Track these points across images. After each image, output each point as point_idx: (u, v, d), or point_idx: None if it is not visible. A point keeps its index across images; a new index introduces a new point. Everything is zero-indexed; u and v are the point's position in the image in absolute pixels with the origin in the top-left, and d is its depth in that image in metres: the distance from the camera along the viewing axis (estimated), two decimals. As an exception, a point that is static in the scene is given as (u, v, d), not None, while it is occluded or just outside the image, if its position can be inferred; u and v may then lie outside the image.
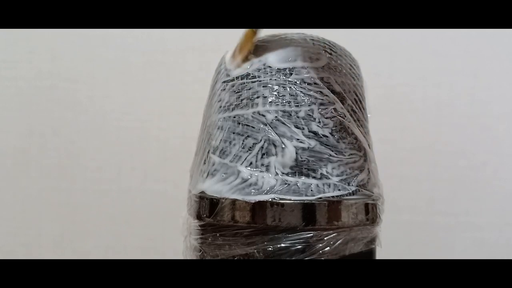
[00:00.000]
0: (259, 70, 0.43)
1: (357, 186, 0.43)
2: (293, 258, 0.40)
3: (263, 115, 0.42)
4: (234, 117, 0.43)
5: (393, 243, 0.50)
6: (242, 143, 0.42)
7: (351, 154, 0.43)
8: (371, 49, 0.71)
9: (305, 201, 0.41)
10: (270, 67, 0.43)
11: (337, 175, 0.42)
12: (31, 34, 0.73)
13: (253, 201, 0.41)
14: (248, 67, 0.43)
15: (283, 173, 0.41)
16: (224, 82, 0.44)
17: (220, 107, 0.44)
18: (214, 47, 0.57)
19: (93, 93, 0.74)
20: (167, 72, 0.74)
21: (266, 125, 0.42)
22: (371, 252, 0.44)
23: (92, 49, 0.74)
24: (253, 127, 0.42)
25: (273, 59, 0.43)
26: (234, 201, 0.42)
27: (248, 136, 0.42)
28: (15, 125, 0.74)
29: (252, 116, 0.42)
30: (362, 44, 0.47)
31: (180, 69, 0.73)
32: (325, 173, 0.42)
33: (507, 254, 0.72)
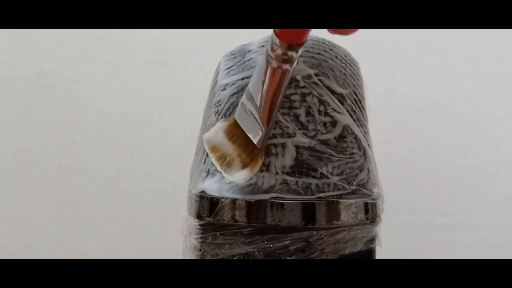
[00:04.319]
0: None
1: (356, 185, 0.43)
2: (293, 257, 0.40)
3: (263, 115, 0.42)
4: (234, 116, 0.43)
5: (393, 243, 0.50)
6: (242, 143, 0.42)
7: (351, 153, 0.43)
8: (371, 49, 0.71)
9: (305, 201, 0.41)
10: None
11: (337, 175, 0.42)
12: (31, 34, 0.73)
13: (253, 201, 0.41)
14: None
15: (283, 173, 0.41)
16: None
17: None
18: (214, 47, 0.57)
19: (93, 93, 0.74)
20: (167, 72, 0.74)
21: (266, 124, 0.42)
22: (371, 251, 0.44)
23: (92, 49, 0.74)
24: (253, 127, 0.42)
25: None
26: (234, 201, 0.42)
27: (248, 136, 0.42)
28: (15, 125, 0.74)
29: (252, 116, 0.42)
30: (362, 44, 0.47)
31: (180, 69, 0.74)
32: (325, 172, 0.42)
33: (507, 254, 0.72)
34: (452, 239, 0.74)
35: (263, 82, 0.39)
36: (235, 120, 0.41)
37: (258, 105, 0.40)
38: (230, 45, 0.47)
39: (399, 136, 0.73)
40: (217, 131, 0.41)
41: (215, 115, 0.44)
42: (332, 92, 0.43)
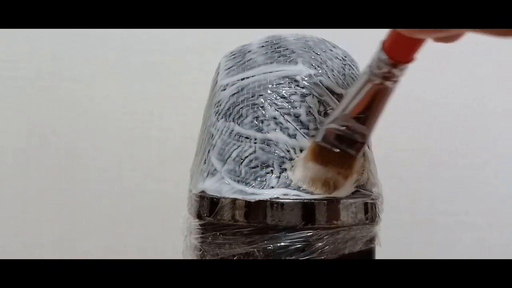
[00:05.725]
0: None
1: (356, 185, 0.43)
2: (293, 257, 0.40)
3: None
4: (234, 116, 0.43)
5: (393, 243, 0.50)
6: (242, 143, 0.42)
7: (351, 153, 0.43)
8: (371, 49, 0.71)
9: (305, 200, 0.41)
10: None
11: (337, 175, 0.42)
12: (31, 34, 0.73)
13: (253, 200, 0.41)
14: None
15: (283, 173, 0.42)
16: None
17: (220, 106, 0.44)
18: (214, 47, 0.57)
19: (93, 93, 0.74)
20: (167, 72, 0.74)
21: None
22: (370, 251, 0.44)
23: (92, 49, 0.74)
24: (253, 127, 0.42)
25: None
26: (234, 200, 0.42)
27: (248, 136, 0.42)
28: (15, 125, 0.74)
29: (252, 116, 0.43)
30: (362, 44, 0.47)
31: (180, 69, 0.73)
32: (325, 172, 0.42)
33: (507, 254, 0.72)
34: (452, 239, 0.74)
35: (363, 98, 0.40)
36: (318, 144, 0.41)
37: (358, 122, 0.40)
38: (230, 45, 0.47)
39: (399, 136, 0.73)
40: (303, 167, 0.41)
41: (215, 115, 0.44)
42: (332, 92, 0.43)
